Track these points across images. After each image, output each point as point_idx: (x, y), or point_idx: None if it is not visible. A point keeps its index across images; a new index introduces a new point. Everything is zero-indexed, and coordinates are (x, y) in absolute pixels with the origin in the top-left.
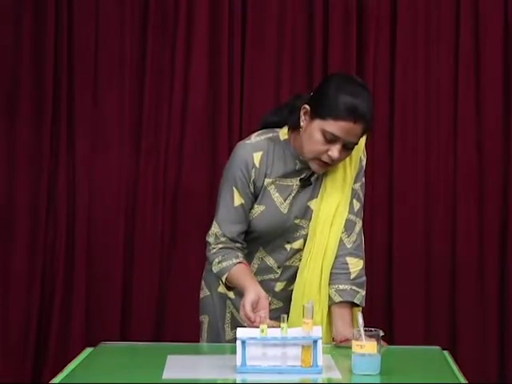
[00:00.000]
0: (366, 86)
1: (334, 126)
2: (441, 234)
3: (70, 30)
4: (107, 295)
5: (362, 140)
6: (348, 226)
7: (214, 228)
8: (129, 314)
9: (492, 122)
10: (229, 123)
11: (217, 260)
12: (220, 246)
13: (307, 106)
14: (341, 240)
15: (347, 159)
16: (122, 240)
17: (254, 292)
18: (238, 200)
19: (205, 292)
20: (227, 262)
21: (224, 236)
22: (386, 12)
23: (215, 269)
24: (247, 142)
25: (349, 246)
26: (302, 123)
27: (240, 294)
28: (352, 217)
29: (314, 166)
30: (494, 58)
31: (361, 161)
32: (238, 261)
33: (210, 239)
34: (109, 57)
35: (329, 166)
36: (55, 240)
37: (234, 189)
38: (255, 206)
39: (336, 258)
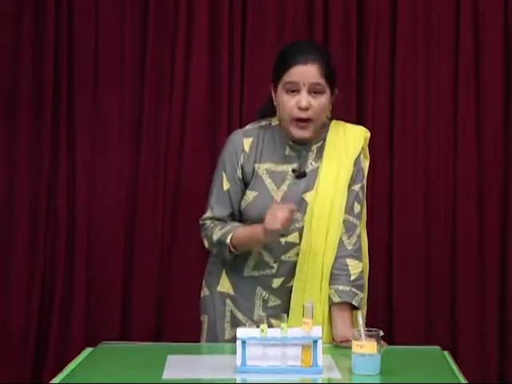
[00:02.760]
0: (319, 43)
1: (289, 75)
2: (441, 234)
3: (70, 30)
4: (107, 295)
5: (362, 139)
6: (348, 228)
7: (208, 213)
8: (129, 314)
9: (492, 122)
10: (229, 123)
11: (218, 228)
12: (216, 222)
13: (272, 84)
14: (341, 241)
15: (342, 154)
16: (122, 240)
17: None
18: (225, 185)
19: (205, 292)
20: (230, 226)
21: (216, 217)
22: (386, 12)
23: (216, 236)
24: (240, 129)
25: (349, 248)
26: (275, 103)
27: (240, 292)
28: (353, 219)
29: (293, 130)
30: (494, 58)
31: (359, 161)
32: (241, 225)
33: (205, 221)
34: (109, 57)
35: (308, 126)
36: (55, 240)
37: (223, 174)
38: (248, 191)
39: (336, 258)
